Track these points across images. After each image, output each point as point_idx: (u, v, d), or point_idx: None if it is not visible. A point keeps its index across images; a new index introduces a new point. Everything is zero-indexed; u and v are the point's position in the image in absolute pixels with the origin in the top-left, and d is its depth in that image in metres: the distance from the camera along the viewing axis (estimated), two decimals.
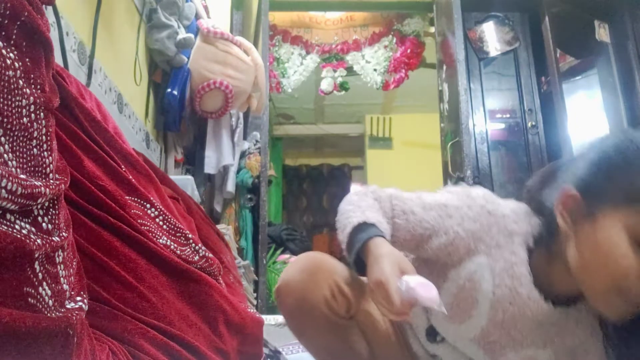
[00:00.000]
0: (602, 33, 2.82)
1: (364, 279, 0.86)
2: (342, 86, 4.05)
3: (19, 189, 0.45)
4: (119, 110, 1.53)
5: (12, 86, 0.48)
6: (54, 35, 1.10)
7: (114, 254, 0.74)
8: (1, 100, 0.47)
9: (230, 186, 2.55)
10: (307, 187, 6.56)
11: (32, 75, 0.51)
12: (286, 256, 3.18)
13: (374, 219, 0.83)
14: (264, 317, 1.14)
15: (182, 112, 1.99)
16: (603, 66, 2.85)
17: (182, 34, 1.90)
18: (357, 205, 0.88)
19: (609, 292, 0.69)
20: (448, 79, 3.01)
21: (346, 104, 5.32)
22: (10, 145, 0.47)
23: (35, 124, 0.51)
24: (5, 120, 0.47)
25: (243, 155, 2.72)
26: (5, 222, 0.45)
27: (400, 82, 3.93)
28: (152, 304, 0.75)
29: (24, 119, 0.49)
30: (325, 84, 4.03)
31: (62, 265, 0.52)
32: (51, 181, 0.52)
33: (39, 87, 0.52)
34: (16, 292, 0.45)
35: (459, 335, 0.89)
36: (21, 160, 0.49)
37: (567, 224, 0.74)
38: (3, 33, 0.48)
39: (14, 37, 0.50)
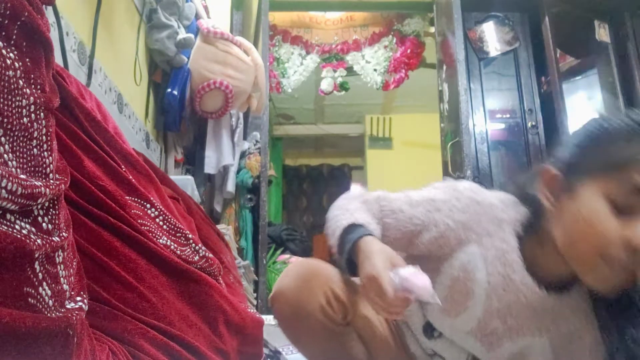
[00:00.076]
0: (602, 33, 2.82)
1: (357, 279, 0.86)
2: (342, 86, 4.05)
3: (19, 189, 0.45)
4: (119, 110, 1.53)
5: (12, 86, 0.48)
6: (54, 35, 1.10)
7: (114, 254, 0.74)
8: (1, 100, 0.47)
9: (230, 186, 2.55)
10: (307, 187, 6.56)
11: (32, 75, 0.51)
12: (286, 256, 3.18)
13: (362, 219, 0.84)
14: (264, 317, 1.14)
15: (182, 112, 1.99)
16: (603, 66, 2.85)
17: (182, 34, 1.90)
18: (345, 209, 0.89)
19: (595, 261, 0.70)
20: (448, 79, 3.01)
21: (346, 104, 5.32)
22: (10, 145, 0.47)
23: (35, 124, 0.51)
24: (5, 120, 0.47)
25: (243, 155, 2.72)
26: (5, 222, 0.45)
27: (400, 82, 3.93)
28: (152, 304, 0.75)
29: (24, 119, 0.49)
30: (325, 84, 4.04)
31: (62, 266, 0.52)
32: (51, 181, 0.52)
33: (39, 87, 0.52)
34: (16, 292, 0.45)
35: (456, 328, 0.89)
36: (21, 160, 0.49)
37: (550, 202, 0.76)
38: (3, 33, 0.48)
39: (14, 37, 0.50)
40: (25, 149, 0.49)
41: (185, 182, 1.71)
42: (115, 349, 0.64)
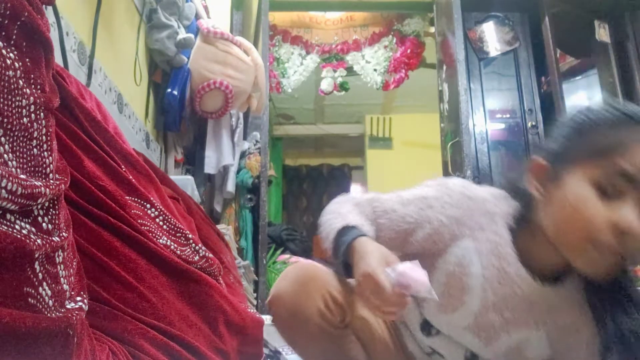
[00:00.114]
0: (602, 33, 2.82)
1: (353, 281, 0.86)
2: (342, 86, 4.05)
3: (19, 189, 0.45)
4: (119, 110, 1.53)
5: (12, 86, 0.48)
6: (54, 35, 1.10)
7: (114, 254, 0.74)
8: (1, 100, 0.47)
9: (230, 186, 2.55)
10: (307, 187, 6.56)
11: (32, 76, 0.51)
12: (286, 256, 3.18)
13: (355, 221, 0.85)
14: (264, 317, 1.14)
15: (182, 112, 1.99)
16: (603, 66, 2.85)
17: (182, 34, 1.90)
18: (337, 213, 0.90)
19: (584, 246, 0.71)
20: (448, 79, 3.01)
21: (346, 104, 5.32)
22: (10, 145, 0.47)
23: (35, 124, 0.51)
24: (5, 120, 0.47)
25: (243, 155, 2.72)
26: (5, 222, 0.45)
27: (400, 82, 3.93)
28: (152, 304, 0.75)
29: (24, 119, 0.49)
30: (325, 84, 4.04)
31: (62, 266, 0.52)
32: (51, 181, 0.52)
33: (39, 87, 0.52)
34: (16, 292, 0.45)
35: (453, 324, 0.90)
36: (21, 160, 0.49)
37: (540, 192, 0.78)
38: (3, 33, 0.48)
39: (14, 37, 0.50)
40: (25, 149, 0.49)
41: (185, 182, 1.71)
42: (115, 349, 0.64)
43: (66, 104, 0.84)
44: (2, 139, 0.47)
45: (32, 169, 0.50)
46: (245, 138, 2.81)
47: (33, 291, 0.46)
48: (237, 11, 3.15)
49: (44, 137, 0.52)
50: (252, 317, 1.02)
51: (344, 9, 3.92)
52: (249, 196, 2.73)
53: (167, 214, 0.96)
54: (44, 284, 0.48)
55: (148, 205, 0.93)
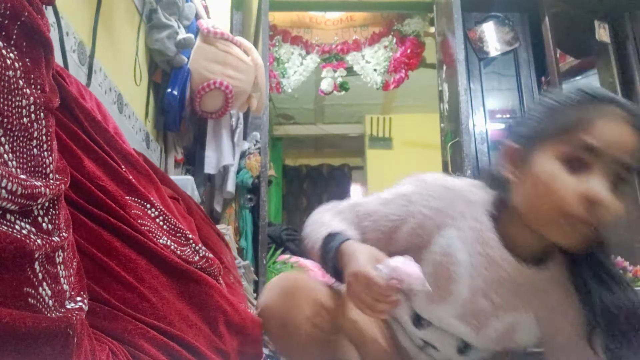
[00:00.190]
0: (602, 33, 2.82)
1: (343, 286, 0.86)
2: (342, 86, 4.04)
3: (19, 189, 0.45)
4: (119, 110, 1.53)
5: (12, 86, 0.48)
6: (54, 35, 1.10)
7: (114, 254, 0.74)
8: (1, 100, 0.47)
9: (230, 186, 2.55)
10: (307, 187, 6.56)
11: (32, 76, 0.51)
12: (286, 256, 3.18)
13: (339, 228, 0.87)
14: None
15: (182, 112, 1.99)
16: (603, 66, 2.85)
17: (182, 34, 1.90)
18: (320, 223, 0.92)
19: (558, 220, 0.75)
20: (448, 79, 3.01)
21: (346, 104, 5.32)
22: (10, 145, 0.47)
23: (35, 124, 0.51)
24: (5, 120, 0.47)
25: (243, 155, 2.72)
26: (5, 222, 0.45)
27: (400, 82, 3.93)
28: (152, 304, 0.75)
29: (24, 119, 0.49)
30: (325, 84, 4.03)
31: (62, 266, 0.52)
32: (51, 181, 0.52)
33: (39, 87, 0.52)
34: (16, 292, 0.45)
35: (443, 314, 0.91)
36: (21, 160, 0.49)
37: (514, 174, 0.82)
38: (3, 33, 0.48)
39: (14, 37, 0.50)
40: (25, 149, 0.49)
41: (185, 182, 1.71)
42: (115, 349, 0.64)
43: (66, 104, 0.84)
44: (2, 139, 0.47)
45: (32, 169, 0.50)
46: (245, 138, 2.81)
47: (33, 291, 0.46)
48: (237, 11, 3.15)
49: (44, 137, 0.52)
50: (252, 317, 1.02)
51: (344, 9, 3.92)
52: (249, 196, 2.73)
53: (167, 214, 0.96)
54: (44, 284, 0.48)
55: (148, 205, 0.93)
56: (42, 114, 0.52)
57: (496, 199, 0.87)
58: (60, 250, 0.52)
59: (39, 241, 0.47)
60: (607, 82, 2.81)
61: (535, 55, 3.02)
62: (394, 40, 3.91)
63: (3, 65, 0.47)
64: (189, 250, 0.95)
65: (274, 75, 3.83)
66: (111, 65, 1.49)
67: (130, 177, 0.93)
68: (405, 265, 0.73)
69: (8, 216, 0.46)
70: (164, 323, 0.75)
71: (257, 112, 2.48)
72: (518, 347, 0.94)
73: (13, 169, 0.47)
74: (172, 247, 0.89)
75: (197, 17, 2.10)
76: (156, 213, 0.94)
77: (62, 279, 0.52)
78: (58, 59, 1.11)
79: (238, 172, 2.66)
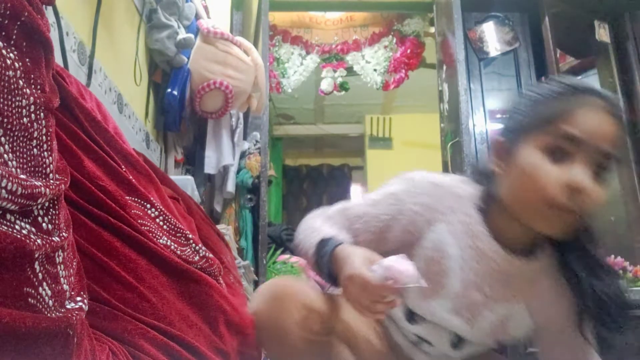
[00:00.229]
0: (602, 33, 2.82)
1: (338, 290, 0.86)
2: (342, 86, 4.04)
3: (19, 189, 0.45)
4: (119, 110, 1.53)
5: (12, 86, 0.48)
6: (54, 35, 1.10)
7: (114, 254, 0.74)
8: (1, 100, 0.47)
9: (230, 186, 2.55)
10: (307, 187, 6.56)
11: (32, 76, 0.51)
12: (286, 256, 3.18)
13: (331, 233, 0.87)
14: None
15: (182, 112, 1.99)
16: (603, 66, 2.84)
17: (182, 34, 1.90)
18: (311, 229, 0.92)
19: (542, 209, 0.77)
20: (448, 79, 3.01)
21: (346, 104, 5.32)
22: (10, 145, 0.47)
23: (35, 124, 0.51)
24: (5, 120, 0.47)
25: (243, 155, 2.72)
26: (5, 222, 0.45)
27: (400, 82, 3.93)
28: (152, 304, 0.75)
29: (24, 119, 0.49)
30: (325, 84, 4.03)
31: (62, 266, 0.52)
32: (51, 181, 0.52)
33: (39, 87, 0.52)
34: (16, 292, 0.45)
35: (436, 309, 0.92)
36: (21, 160, 0.49)
37: (499, 166, 0.85)
38: (3, 33, 0.48)
39: (14, 37, 0.50)
40: (25, 149, 0.49)
41: (185, 182, 1.71)
42: (116, 349, 0.64)
43: (66, 104, 0.84)
44: (2, 139, 0.47)
45: (32, 169, 0.50)
46: (245, 138, 2.81)
47: (33, 291, 0.46)
48: (237, 11, 3.15)
49: (44, 137, 0.52)
50: (253, 317, 1.02)
51: (344, 9, 3.92)
52: (249, 196, 2.73)
53: (167, 214, 0.96)
54: (44, 284, 0.48)
55: (148, 205, 0.93)
56: (42, 114, 0.52)
57: (484, 193, 0.89)
58: (60, 250, 0.52)
59: (39, 241, 0.47)
60: (607, 82, 2.81)
61: (535, 55, 3.02)
62: (394, 40, 3.91)
63: (3, 65, 0.47)
64: (189, 250, 0.95)
65: (274, 75, 3.83)
66: (111, 65, 1.49)
67: (130, 177, 0.93)
68: (399, 264, 0.73)
69: (8, 216, 0.46)
70: (164, 323, 0.75)
71: (257, 112, 2.48)
72: (512, 339, 0.96)
73: (13, 169, 0.47)
74: (172, 247, 0.89)
75: (197, 17, 2.10)
76: (156, 213, 0.94)
77: (62, 279, 0.52)
78: (58, 59, 1.11)
79: (238, 172, 2.66)
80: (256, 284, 2.51)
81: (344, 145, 6.39)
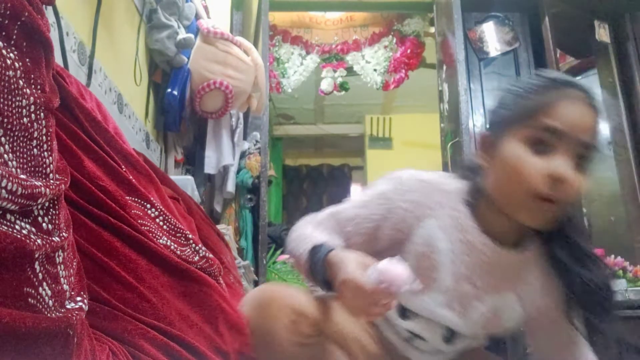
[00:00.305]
0: (602, 33, 2.82)
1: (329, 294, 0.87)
2: (342, 86, 4.04)
3: (19, 189, 0.45)
4: (119, 111, 1.53)
5: (13, 86, 0.48)
6: (54, 35, 1.10)
7: (114, 254, 0.74)
8: (1, 100, 0.47)
9: (230, 186, 2.55)
10: (307, 188, 6.56)
11: (32, 76, 0.51)
12: (286, 256, 3.17)
13: (322, 239, 0.88)
14: None
15: (182, 112, 1.99)
16: (603, 66, 2.84)
17: (182, 34, 1.90)
18: (302, 237, 0.92)
19: (526, 200, 0.80)
20: (448, 79, 3.01)
21: (346, 104, 5.32)
22: (10, 145, 0.47)
23: (35, 124, 0.51)
24: (5, 120, 0.47)
25: (243, 155, 2.72)
26: (5, 222, 0.45)
27: (400, 82, 3.93)
28: (152, 304, 0.75)
29: (24, 119, 0.49)
30: (325, 84, 4.03)
31: (62, 266, 0.52)
32: (51, 181, 0.52)
33: (39, 87, 0.52)
34: (16, 292, 0.45)
35: (428, 303, 0.93)
36: (21, 160, 0.49)
37: (486, 161, 0.87)
38: (3, 33, 0.48)
39: (14, 37, 0.50)
40: (25, 149, 0.49)
41: (185, 182, 1.71)
42: (116, 349, 0.64)
43: (66, 104, 0.84)
44: (2, 139, 0.47)
45: (32, 169, 0.50)
46: (245, 138, 2.81)
47: (33, 291, 0.46)
48: (237, 11, 3.15)
49: (44, 137, 0.52)
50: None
51: (344, 9, 3.92)
52: (249, 196, 2.73)
53: (167, 214, 0.96)
54: (44, 284, 0.48)
55: (148, 206, 0.93)
56: (42, 114, 0.52)
57: (471, 187, 0.91)
58: (60, 250, 0.52)
59: (39, 241, 0.47)
60: (607, 82, 2.81)
61: (535, 55, 3.02)
62: (394, 40, 3.91)
63: (3, 65, 0.47)
64: (188, 250, 0.95)
65: (274, 75, 3.83)
66: (111, 65, 1.49)
67: (131, 177, 0.93)
68: (392, 268, 0.73)
69: (8, 216, 0.46)
70: (164, 323, 0.75)
71: (257, 112, 2.47)
72: (504, 330, 0.97)
73: (13, 169, 0.47)
74: (172, 247, 0.89)
75: (197, 17, 2.10)
76: (156, 213, 0.94)
77: (62, 279, 0.52)
78: (58, 59, 1.11)
79: (238, 172, 2.66)
80: (256, 284, 2.51)
81: (344, 145, 6.39)
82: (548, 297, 0.91)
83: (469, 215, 0.89)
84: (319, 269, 0.83)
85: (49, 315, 0.47)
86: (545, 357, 0.97)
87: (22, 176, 0.48)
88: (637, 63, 2.72)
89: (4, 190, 0.43)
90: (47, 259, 0.49)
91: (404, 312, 0.96)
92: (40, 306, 0.47)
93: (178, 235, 0.95)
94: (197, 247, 0.97)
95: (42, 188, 0.49)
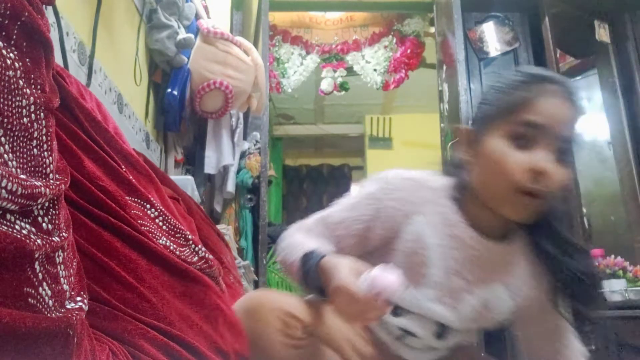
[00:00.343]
0: (602, 33, 2.82)
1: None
2: (342, 86, 4.04)
3: (19, 189, 0.45)
4: (119, 111, 1.53)
5: (12, 86, 0.48)
6: (54, 35, 1.10)
7: (114, 254, 0.74)
8: (1, 100, 0.47)
9: (230, 186, 2.55)
10: (307, 187, 6.56)
11: (32, 76, 0.51)
12: None
13: (312, 246, 0.88)
14: None
15: (182, 112, 1.99)
16: (603, 66, 2.84)
17: (182, 34, 1.90)
18: (293, 245, 0.93)
19: (509, 194, 0.81)
20: (448, 79, 3.01)
21: (346, 104, 5.32)
22: (10, 145, 0.47)
23: (35, 124, 0.51)
24: (5, 120, 0.47)
25: (243, 155, 2.72)
26: (5, 222, 0.45)
27: (400, 82, 3.93)
28: (152, 304, 0.75)
29: (24, 119, 0.49)
30: (325, 84, 4.03)
31: (62, 266, 0.52)
32: (51, 181, 0.52)
33: (39, 87, 0.52)
34: (16, 292, 0.45)
35: (420, 299, 0.93)
36: (21, 160, 0.49)
37: (470, 156, 0.89)
38: (3, 33, 0.48)
39: (14, 37, 0.50)
40: (25, 149, 0.49)
41: (185, 182, 1.71)
42: (116, 349, 0.64)
43: (66, 104, 0.84)
44: (2, 139, 0.47)
45: (32, 169, 0.50)
46: (245, 138, 2.81)
47: (33, 291, 0.46)
48: (237, 11, 3.15)
49: (44, 137, 0.52)
50: None
51: (344, 9, 3.92)
52: (249, 196, 2.73)
53: (167, 214, 0.96)
54: (44, 284, 0.48)
55: (148, 206, 0.93)
56: (42, 114, 0.52)
57: (457, 183, 0.92)
58: (60, 250, 0.52)
59: (39, 241, 0.47)
60: (607, 82, 2.81)
61: (535, 55, 3.01)
62: (394, 40, 3.91)
63: (3, 65, 0.47)
64: (187, 250, 0.95)
65: (274, 75, 3.83)
66: (111, 65, 1.49)
67: (131, 177, 0.93)
68: (384, 275, 0.74)
69: (8, 216, 0.46)
70: (164, 323, 0.75)
71: (257, 112, 2.48)
72: (495, 324, 0.99)
73: (13, 169, 0.47)
74: (171, 247, 0.89)
75: (197, 17, 2.10)
76: (156, 213, 0.94)
77: (62, 279, 0.52)
78: (58, 59, 1.11)
79: (238, 172, 2.66)
80: (256, 284, 2.51)
81: (344, 145, 6.39)
82: (536, 287, 0.93)
83: (455, 210, 0.91)
84: (311, 276, 0.83)
85: (49, 315, 0.47)
86: (533, 345, 0.99)
87: (22, 176, 0.48)
88: (637, 63, 2.72)
89: (4, 190, 0.43)
90: (47, 259, 0.49)
91: (395, 309, 0.96)
92: (40, 306, 0.47)
93: (177, 235, 0.95)
94: (196, 248, 0.97)
95: (42, 188, 0.49)
